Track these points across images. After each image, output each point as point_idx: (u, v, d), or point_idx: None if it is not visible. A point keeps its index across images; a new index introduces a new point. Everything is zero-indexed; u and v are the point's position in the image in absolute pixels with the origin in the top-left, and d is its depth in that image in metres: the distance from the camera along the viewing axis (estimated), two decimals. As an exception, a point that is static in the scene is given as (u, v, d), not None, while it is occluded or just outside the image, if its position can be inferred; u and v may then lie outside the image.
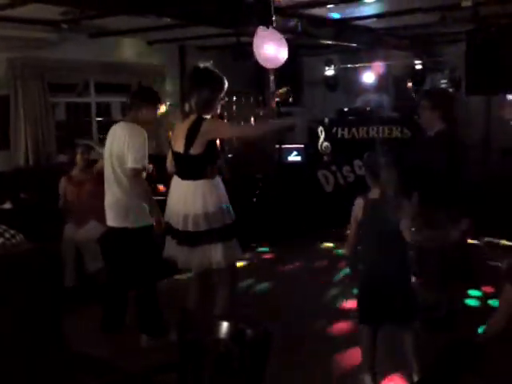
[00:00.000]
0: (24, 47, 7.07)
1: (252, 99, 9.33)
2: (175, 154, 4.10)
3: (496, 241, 7.38)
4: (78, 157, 6.07)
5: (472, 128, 8.43)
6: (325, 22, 7.41)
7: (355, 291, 4.15)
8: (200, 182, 3.97)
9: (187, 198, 3.97)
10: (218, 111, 4.26)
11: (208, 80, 4.03)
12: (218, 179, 4.10)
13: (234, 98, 8.67)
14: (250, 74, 8.67)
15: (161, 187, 6.23)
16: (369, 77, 9.87)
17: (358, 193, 3.80)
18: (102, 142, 4.76)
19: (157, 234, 4.32)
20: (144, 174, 4.37)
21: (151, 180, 4.84)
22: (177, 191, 4.07)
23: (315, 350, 4.49)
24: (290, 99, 7.49)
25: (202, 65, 4.11)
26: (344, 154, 8.59)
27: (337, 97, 10.37)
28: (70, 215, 6.00)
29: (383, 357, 3.97)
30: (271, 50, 5.48)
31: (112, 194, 4.48)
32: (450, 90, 8.89)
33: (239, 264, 5.18)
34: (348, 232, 3.89)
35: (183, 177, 4.04)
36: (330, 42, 8.04)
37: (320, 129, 8.77)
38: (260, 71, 7.27)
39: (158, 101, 4.60)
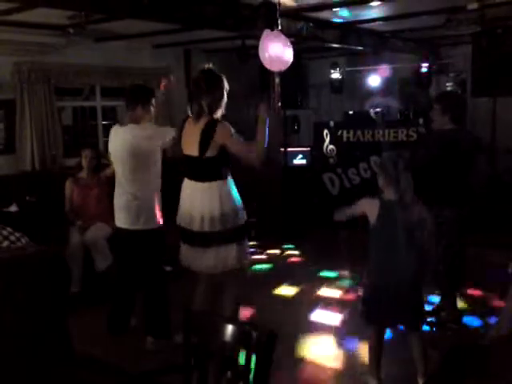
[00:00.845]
0: (30, 51, 7.11)
1: (257, 102, 9.32)
2: (187, 157, 4.08)
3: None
4: (84, 160, 6.10)
5: (478, 129, 8.40)
6: (330, 24, 7.42)
7: (360, 291, 4.13)
8: (216, 184, 3.97)
9: (204, 200, 3.97)
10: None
11: (219, 81, 4.04)
12: (231, 180, 4.10)
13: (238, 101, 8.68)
14: (256, 76, 8.68)
15: None
16: (374, 80, 9.86)
17: (365, 195, 3.78)
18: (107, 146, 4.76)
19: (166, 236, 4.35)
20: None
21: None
22: (192, 193, 4.05)
23: (315, 353, 4.49)
24: None
25: (206, 66, 4.11)
26: (349, 156, 8.59)
27: (342, 100, 10.38)
28: (76, 218, 6.01)
29: (389, 358, 3.96)
30: (277, 52, 5.48)
31: (123, 197, 4.50)
32: (458, 92, 8.87)
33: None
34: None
35: (198, 179, 4.02)
36: (335, 45, 8.05)
37: (325, 132, 8.77)
38: (265, 74, 7.27)
39: (150, 96, 4.58)
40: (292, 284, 6.22)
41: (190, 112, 4.06)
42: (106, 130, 8.15)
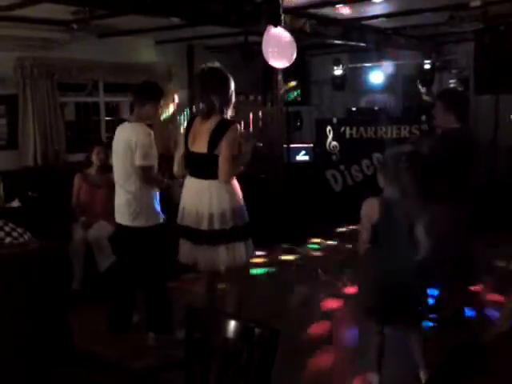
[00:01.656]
0: (33, 47, 7.11)
1: (260, 98, 9.34)
2: (194, 155, 4.07)
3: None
4: (94, 156, 6.07)
5: (480, 127, 8.40)
6: (333, 21, 7.41)
7: (362, 290, 4.13)
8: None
9: (212, 197, 3.97)
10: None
11: (228, 80, 4.04)
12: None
13: (242, 98, 8.68)
14: (258, 73, 8.68)
15: None
16: (377, 76, 9.86)
17: (368, 192, 3.77)
18: (109, 142, 4.75)
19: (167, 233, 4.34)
20: (154, 171, 4.38)
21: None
22: (199, 191, 4.05)
23: (318, 350, 4.50)
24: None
25: (213, 64, 4.10)
26: (352, 153, 8.59)
27: (345, 96, 10.37)
28: (81, 214, 5.98)
29: (391, 357, 3.96)
30: (280, 49, 5.48)
31: (122, 195, 4.49)
32: (459, 89, 8.86)
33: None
34: (359, 229, 3.85)
35: (206, 176, 4.02)
36: (338, 42, 8.04)
37: (328, 128, 8.77)
38: (268, 70, 7.27)
39: (161, 97, 4.54)
40: (292, 280, 6.24)
41: (197, 109, 4.05)
42: (109, 126, 8.18)
